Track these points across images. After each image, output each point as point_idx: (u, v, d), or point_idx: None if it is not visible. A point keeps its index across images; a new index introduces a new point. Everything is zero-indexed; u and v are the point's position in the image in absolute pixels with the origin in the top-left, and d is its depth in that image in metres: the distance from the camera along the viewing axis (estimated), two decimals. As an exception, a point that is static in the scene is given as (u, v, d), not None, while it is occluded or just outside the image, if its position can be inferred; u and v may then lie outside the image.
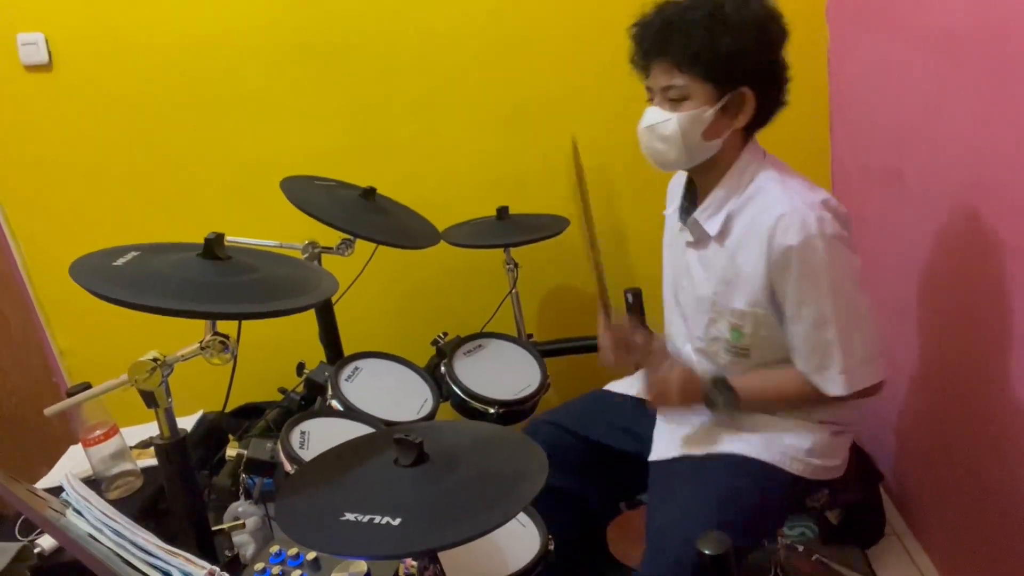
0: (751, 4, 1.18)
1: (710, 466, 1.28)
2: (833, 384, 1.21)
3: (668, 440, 1.36)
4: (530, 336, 2.01)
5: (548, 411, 1.53)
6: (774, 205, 1.19)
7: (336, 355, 1.76)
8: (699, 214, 1.28)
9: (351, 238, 1.68)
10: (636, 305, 1.88)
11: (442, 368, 1.68)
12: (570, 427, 1.44)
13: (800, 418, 1.30)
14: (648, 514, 1.30)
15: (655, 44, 1.21)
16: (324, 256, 1.70)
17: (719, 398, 1.25)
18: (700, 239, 1.31)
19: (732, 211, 1.25)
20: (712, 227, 1.27)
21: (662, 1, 1.23)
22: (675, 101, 1.21)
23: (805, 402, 1.28)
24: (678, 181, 1.45)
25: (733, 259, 1.25)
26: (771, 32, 1.19)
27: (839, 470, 1.33)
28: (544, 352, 1.85)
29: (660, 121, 1.22)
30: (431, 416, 1.57)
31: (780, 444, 1.27)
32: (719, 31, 1.15)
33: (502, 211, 1.91)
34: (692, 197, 1.35)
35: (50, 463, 1.71)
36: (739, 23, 1.16)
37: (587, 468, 1.43)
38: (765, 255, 1.19)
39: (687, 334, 1.39)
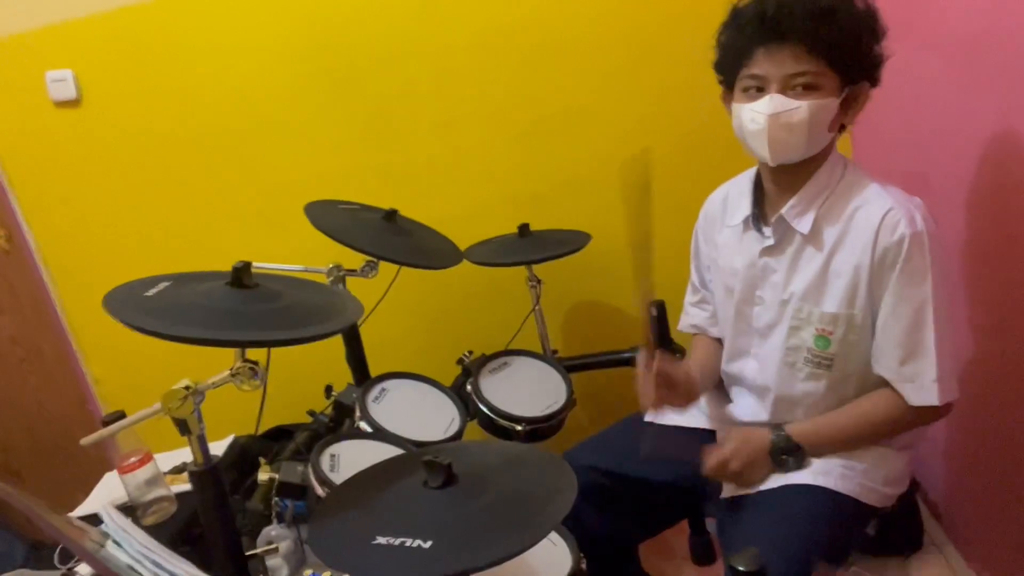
0: (871, 6, 1.16)
1: (789, 499, 1.22)
2: (926, 393, 1.16)
3: None
4: (555, 352, 2.01)
5: (579, 446, 1.48)
6: (877, 200, 1.17)
7: (363, 377, 1.77)
8: (787, 212, 1.23)
9: (375, 260, 1.69)
10: (660, 317, 1.87)
11: (468, 386, 1.68)
12: (604, 466, 1.38)
13: (882, 444, 1.26)
14: (725, 549, 1.27)
15: (790, 26, 1.11)
16: (348, 279, 1.72)
17: (789, 462, 1.23)
18: (783, 241, 1.25)
19: (823, 209, 1.21)
20: (803, 226, 1.22)
21: None
22: (803, 89, 1.14)
23: (884, 433, 1.24)
24: (720, 197, 1.41)
25: (829, 258, 1.20)
26: (883, 29, 1.17)
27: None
28: (569, 368, 1.85)
29: (790, 108, 1.14)
30: (459, 435, 1.57)
31: (857, 474, 1.23)
32: (862, 25, 1.13)
33: (523, 228, 1.92)
34: (759, 203, 1.31)
35: (86, 490, 1.74)
36: (869, 17, 1.14)
37: (624, 505, 1.38)
38: (870, 250, 1.15)
39: (758, 349, 1.33)
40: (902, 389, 1.18)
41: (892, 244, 1.14)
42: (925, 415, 1.19)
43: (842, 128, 1.23)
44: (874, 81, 1.18)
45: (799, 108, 1.14)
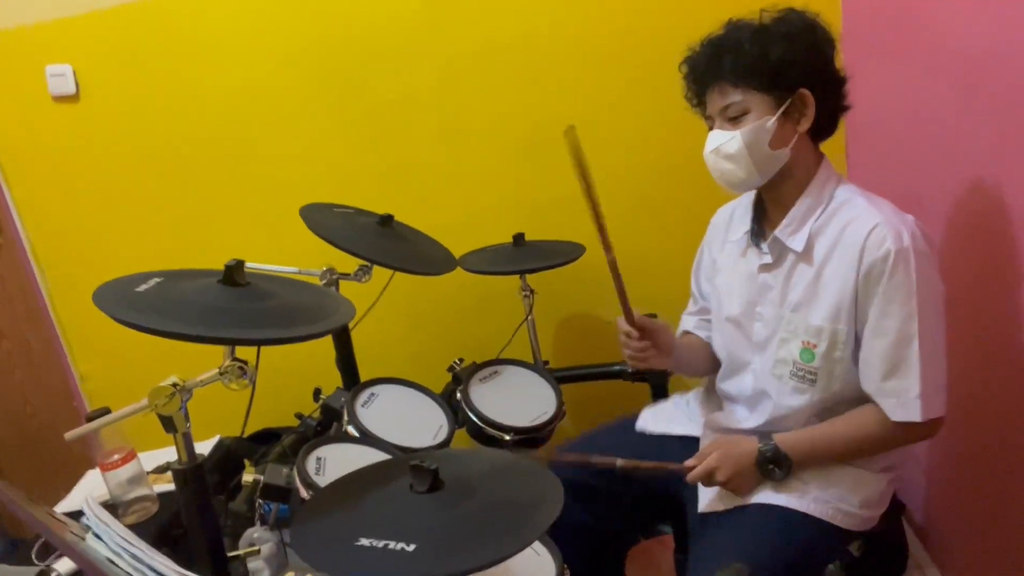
0: (791, 18, 1.21)
1: (756, 516, 1.24)
2: (909, 409, 1.16)
3: (717, 491, 1.30)
4: (546, 363, 2.01)
5: (568, 444, 1.50)
6: (865, 216, 1.18)
7: (352, 381, 1.76)
8: (781, 232, 1.26)
9: (368, 264, 1.69)
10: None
11: (458, 394, 1.68)
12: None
13: (860, 466, 1.26)
14: (691, 562, 1.27)
15: (708, 70, 1.23)
16: (342, 282, 1.72)
17: (776, 472, 1.23)
18: (779, 258, 1.28)
19: (816, 227, 1.23)
20: (797, 244, 1.24)
21: (706, 35, 1.25)
22: (735, 119, 1.21)
23: (871, 448, 1.24)
24: (727, 213, 1.44)
25: (819, 273, 1.22)
26: (818, 35, 1.21)
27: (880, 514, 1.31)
28: (560, 379, 1.85)
29: (724, 141, 1.21)
30: (447, 442, 1.57)
31: (834, 497, 1.24)
32: (768, 42, 1.17)
33: (518, 238, 1.92)
34: (759, 221, 1.34)
35: (68, 487, 1.72)
36: (786, 32, 1.18)
37: (609, 500, 1.40)
38: (855, 266, 1.16)
39: (755, 363, 1.34)
40: (884, 404, 1.18)
41: (877, 260, 1.15)
42: (909, 432, 1.19)
43: (818, 139, 1.26)
44: (814, 86, 1.20)
45: (733, 138, 1.21)
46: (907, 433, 1.19)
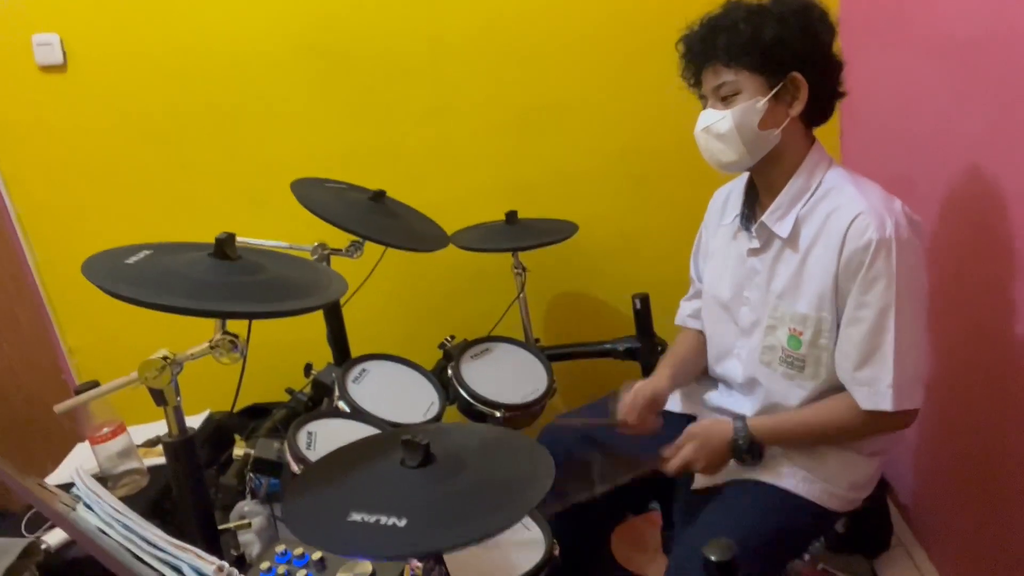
0: (789, 0, 1.20)
1: (745, 492, 1.25)
2: (879, 398, 1.16)
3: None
4: (537, 340, 2.02)
5: (565, 414, 1.53)
6: (850, 203, 1.17)
7: (343, 356, 1.76)
8: (767, 217, 1.26)
9: (360, 240, 1.68)
10: (644, 310, 1.88)
11: (449, 371, 1.68)
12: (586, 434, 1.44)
13: (850, 449, 1.27)
14: (676, 535, 1.29)
15: (702, 49, 1.23)
16: (333, 258, 1.71)
17: (747, 460, 1.25)
18: (766, 244, 1.28)
19: (802, 212, 1.23)
20: (782, 229, 1.24)
21: (704, 14, 1.24)
22: (727, 99, 1.21)
23: (843, 437, 1.25)
24: (723, 195, 1.44)
25: (804, 260, 1.22)
26: (814, 19, 1.20)
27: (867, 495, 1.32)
28: (551, 356, 1.85)
29: (715, 120, 1.21)
30: (437, 419, 1.57)
31: (821, 479, 1.25)
32: (762, 22, 1.17)
33: (511, 215, 1.91)
34: (751, 205, 1.34)
35: (57, 460, 1.72)
36: (781, 13, 1.18)
37: None
38: (837, 254, 1.16)
39: (741, 348, 1.35)
40: (856, 393, 1.19)
41: (858, 249, 1.14)
42: (880, 421, 1.18)
43: (811, 124, 1.26)
44: (807, 70, 1.20)
45: (724, 117, 1.21)
46: (878, 423, 1.19)
